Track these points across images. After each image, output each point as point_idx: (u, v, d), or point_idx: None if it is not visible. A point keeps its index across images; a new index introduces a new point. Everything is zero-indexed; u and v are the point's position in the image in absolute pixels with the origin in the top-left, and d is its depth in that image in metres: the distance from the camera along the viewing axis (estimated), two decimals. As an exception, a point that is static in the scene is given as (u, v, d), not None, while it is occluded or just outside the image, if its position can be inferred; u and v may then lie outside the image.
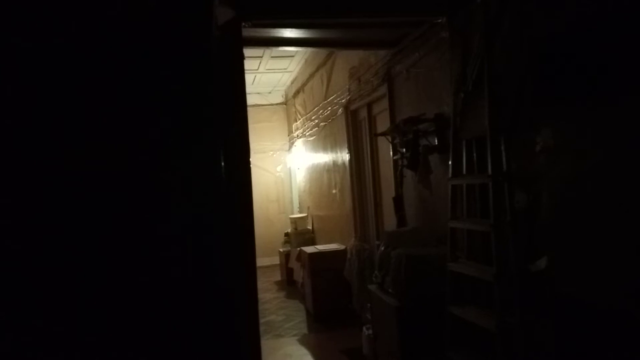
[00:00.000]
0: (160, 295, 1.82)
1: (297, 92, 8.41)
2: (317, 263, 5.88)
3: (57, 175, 1.74)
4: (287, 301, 6.88)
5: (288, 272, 7.67)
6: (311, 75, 7.23)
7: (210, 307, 1.84)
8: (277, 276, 8.38)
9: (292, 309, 6.43)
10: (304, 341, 5.22)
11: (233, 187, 2.28)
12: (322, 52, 6.17)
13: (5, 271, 1.71)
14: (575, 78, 2.11)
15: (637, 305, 1.87)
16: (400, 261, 3.19)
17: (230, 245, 2.01)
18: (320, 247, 6.25)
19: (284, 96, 9.74)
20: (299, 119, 8.34)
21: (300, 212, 8.82)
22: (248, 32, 3.14)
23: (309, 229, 7.94)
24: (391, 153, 4.33)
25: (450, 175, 3.01)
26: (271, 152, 9.69)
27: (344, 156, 5.90)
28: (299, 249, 6.78)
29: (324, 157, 6.93)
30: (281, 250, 8.19)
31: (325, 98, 6.47)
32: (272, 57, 7.06)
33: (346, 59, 5.51)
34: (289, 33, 3.72)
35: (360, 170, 5.61)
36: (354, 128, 5.65)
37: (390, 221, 4.56)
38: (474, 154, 2.87)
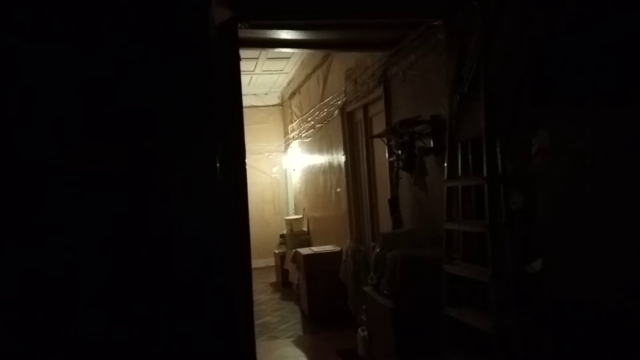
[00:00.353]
0: (160, 296, 1.82)
1: (293, 94, 8.41)
2: (313, 264, 5.87)
3: (57, 175, 1.73)
4: (283, 303, 6.87)
5: (283, 274, 7.65)
6: (307, 77, 7.23)
7: (210, 307, 1.84)
8: (273, 278, 8.37)
9: (287, 311, 6.42)
10: (299, 343, 5.21)
11: (231, 187, 2.28)
12: (318, 54, 6.18)
13: (5, 271, 1.70)
14: (574, 78, 2.11)
15: (634, 306, 1.87)
16: (396, 263, 3.19)
17: (228, 246, 2.01)
18: (316, 249, 6.25)
19: (280, 97, 9.74)
20: (295, 121, 8.34)
21: (295, 213, 8.81)
22: (244, 33, 3.13)
23: (305, 231, 7.93)
24: (387, 155, 4.33)
25: (445, 177, 3.02)
26: (267, 154, 9.69)
27: (340, 158, 5.90)
28: (294, 250, 6.77)
29: (320, 159, 6.93)
30: (276, 251, 8.18)
31: (322, 100, 6.47)
32: (268, 58, 7.06)
33: (342, 61, 5.52)
34: (285, 34, 3.72)
35: (356, 172, 5.61)
36: (350, 130, 5.65)
37: (385, 223, 4.56)
38: (470, 156, 2.88)
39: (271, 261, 8.71)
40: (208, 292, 1.85)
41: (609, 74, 1.95)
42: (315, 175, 7.30)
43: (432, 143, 3.44)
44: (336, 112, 5.87)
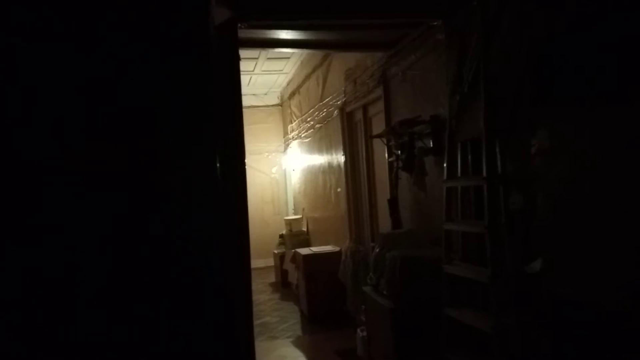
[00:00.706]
0: (159, 296, 1.81)
1: (292, 94, 8.41)
2: (312, 265, 5.87)
3: (57, 175, 1.73)
4: (282, 303, 6.87)
5: (282, 274, 7.65)
6: (307, 77, 7.23)
7: (209, 308, 1.84)
8: (272, 278, 8.37)
9: (286, 311, 6.42)
10: (298, 343, 5.21)
11: (230, 187, 2.28)
12: (318, 54, 6.18)
13: (5, 271, 1.70)
14: (574, 79, 2.12)
15: (633, 307, 1.87)
16: (395, 263, 3.20)
17: (228, 246, 2.01)
18: (315, 249, 6.25)
19: (280, 98, 9.74)
20: (295, 121, 8.34)
21: (295, 213, 8.81)
22: (244, 33, 3.14)
23: (304, 231, 7.93)
24: (386, 155, 4.33)
25: (445, 177, 3.02)
26: (266, 154, 9.69)
27: (339, 158, 5.90)
28: (293, 250, 6.77)
29: (319, 159, 6.93)
30: (276, 251, 8.18)
31: (321, 100, 6.47)
32: (267, 58, 7.06)
33: (342, 61, 5.52)
34: (285, 35, 3.72)
35: (355, 172, 5.61)
36: (349, 130, 5.65)
37: (385, 223, 4.56)
38: (469, 156, 2.88)
39: (270, 261, 8.71)
40: (207, 292, 1.84)
41: (609, 74, 1.95)
42: (314, 176, 7.31)
43: (431, 143, 3.45)
44: (336, 112, 5.87)
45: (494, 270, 2.48)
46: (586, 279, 2.10)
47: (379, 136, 4.30)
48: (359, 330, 4.30)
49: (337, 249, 5.96)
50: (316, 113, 6.76)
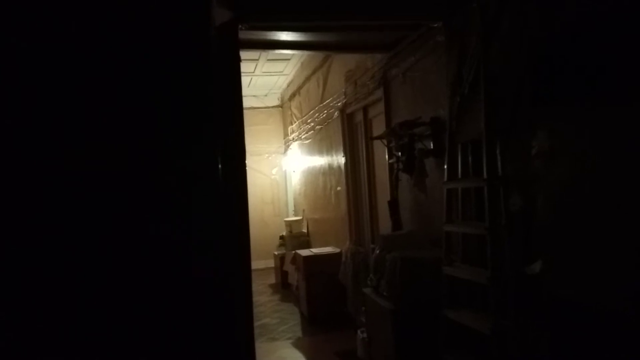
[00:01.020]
0: (160, 296, 1.81)
1: (293, 95, 8.42)
2: (312, 266, 5.87)
3: (57, 175, 1.73)
4: (282, 304, 6.87)
5: (283, 275, 7.65)
6: (307, 78, 7.24)
7: (210, 309, 1.84)
8: (272, 279, 8.37)
9: (286, 312, 6.42)
10: (298, 344, 5.20)
11: (231, 188, 2.28)
12: (318, 56, 6.18)
13: (5, 271, 1.70)
14: (574, 79, 2.11)
15: (633, 308, 1.87)
16: (395, 264, 3.19)
17: (228, 247, 2.01)
18: (315, 250, 6.25)
19: (280, 99, 9.75)
20: (295, 122, 8.34)
21: (295, 215, 8.81)
22: (244, 34, 3.14)
23: (304, 232, 7.93)
24: (387, 156, 4.33)
25: (445, 178, 3.02)
26: (267, 155, 9.69)
27: (340, 159, 5.90)
28: (293, 251, 6.77)
29: (320, 160, 6.93)
30: (276, 253, 8.17)
31: (322, 101, 6.48)
32: (268, 60, 7.07)
33: (342, 62, 5.53)
34: (285, 36, 3.72)
35: (355, 174, 5.61)
36: (349, 131, 5.65)
37: (385, 224, 4.56)
38: (470, 158, 2.88)
39: (270, 262, 8.71)
40: (208, 293, 1.85)
41: (609, 74, 1.95)
42: (315, 177, 7.30)
43: (432, 145, 3.45)
44: (336, 113, 5.88)
45: (493, 272, 2.47)
46: (586, 280, 2.10)
47: (379, 138, 4.30)
48: (359, 331, 4.30)
49: (337, 250, 5.95)
50: (316, 114, 6.76)
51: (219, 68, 2.07)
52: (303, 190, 8.17)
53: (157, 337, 1.82)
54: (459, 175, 2.96)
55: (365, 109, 5.14)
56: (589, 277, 2.09)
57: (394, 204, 4.09)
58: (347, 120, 5.65)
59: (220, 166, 1.87)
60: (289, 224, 8.02)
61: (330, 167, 6.42)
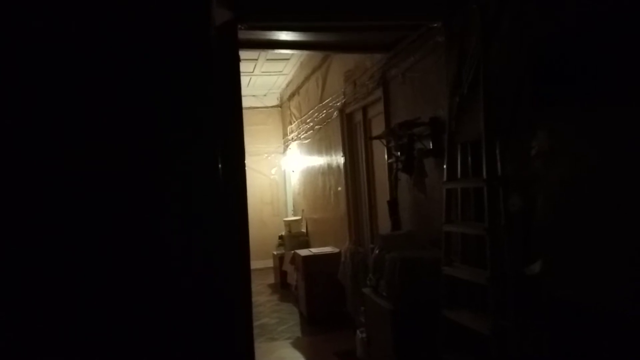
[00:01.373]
0: (159, 297, 1.81)
1: (292, 95, 8.42)
2: (311, 266, 5.87)
3: (57, 175, 1.73)
4: (281, 304, 6.87)
5: (282, 275, 7.65)
6: (306, 78, 7.24)
7: (209, 309, 1.84)
8: (271, 279, 8.37)
9: (285, 312, 6.42)
10: (297, 344, 5.20)
11: (231, 188, 2.28)
12: (317, 55, 6.18)
13: (5, 271, 1.70)
14: (574, 79, 2.11)
15: (632, 308, 1.87)
16: (395, 264, 3.19)
17: (228, 247, 2.01)
18: (315, 250, 6.25)
19: (279, 99, 9.75)
20: (294, 122, 8.34)
21: (294, 214, 8.81)
22: (244, 34, 3.14)
23: (303, 232, 7.93)
24: (386, 156, 4.33)
25: (445, 179, 3.02)
26: (266, 155, 9.69)
27: (339, 159, 5.90)
28: (292, 251, 6.77)
29: (319, 160, 6.93)
30: (275, 253, 8.17)
31: (321, 101, 6.48)
32: (267, 59, 7.07)
33: (342, 62, 5.53)
34: (285, 36, 3.72)
35: (355, 174, 5.61)
36: (349, 131, 5.65)
37: (384, 224, 4.56)
38: (469, 158, 2.88)
39: (270, 262, 8.71)
40: (207, 293, 1.84)
41: (609, 74, 1.95)
42: (314, 177, 7.30)
43: (431, 145, 3.45)
44: (335, 113, 5.88)
45: (492, 272, 2.48)
46: (586, 280, 2.10)
47: (378, 137, 4.30)
48: (358, 331, 4.30)
49: (336, 250, 5.96)
50: (316, 114, 6.76)
51: (219, 68, 2.07)
52: (302, 190, 8.17)
53: (156, 337, 1.81)
54: (459, 176, 2.97)
55: (364, 109, 5.14)
56: (588, 277, 2.09)
57: (393, 204, 4.09)
58: (347, 120, 5.65)
59: (220, 166, 1.87)
60: (288, 224, 8.02)
61: (329, 167, 6.42)
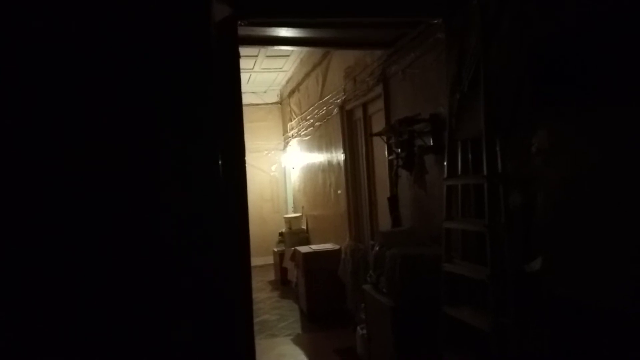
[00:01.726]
0: (159, 294, 1.81)
1: (292, 92, 8.40)
2: (312, 263, 5.87)
3: (57, 175, 1.73)
4: (281, 301, 6.88)
5: (282, 272, 7.66)
6: (306, 75, 7.22)
7: (209, 305, 1.84)
8: (271, 276, 8.38)
9: (285, 309, 6.43)
10: (297, 341, 5.21)
11: (231, 186, 2.28)
12: (317, 52, 6.17)
13: (5, 271, 1.70)
14: (574, 78, 2.11)
15: (632, 306, 1.87)
16: (395, 261, 3.20)
17: (228, 244, 2.01)
18: (315, 247, 6.25)
19: (279, 95, 9.74)
20: (294, 119, 8.33)
21: (294, 211, 8.81)
22: (244, 30, 3.13)
23: (304, 229, 7.93)
24: (386, 153, 4.33)
25: (445, 175, 3.02)
26: (266, 152, 9.69)
27: (339, 156, 5.90)
28: (293, 248, 6.77)
29: (319, 157, 6.92)
30: (275, 249, 8.18)
31: (321, 98, 6.47)
32: (267, 56, 7.05)
33: (342, 59, 5.51)
34: (284, 32, 3.71)
35: (355, 170, 5.61)
36: (349, 128, 5.65)
37: (385, 221, 4.56)
38: (469, 155, 2.88)
39: (270, 259, 8.72)
40: (207, 293, 1.85)
41: (609, 74, 1.95)
42: (314, 174, 7.30)
43: (431, 142, 3.44)
44: (335, 110, 5.87)
45: (493, 269, 2.48)
46: (586, 278, 2.10)
47: (378, 134, 4.30)
48: (358, 328, 4.30)
49: (336, 247, 5.96)
50: (316, 111, 6.75)
51: (219, 65, 2.07)
52: (302, 187, 8.17)
53: (157, 335, 1.82)
54: (459, 172, 2.96)
55: (364, 106, 5.14)
56: (588, 275, 2.09)
57: (393, 201, 4.09)
58: (347, 117, 5.64)
59: (220, 165, 1.87)
60: (289, 221, 8.02)
61: (329, 163, 6.42)
